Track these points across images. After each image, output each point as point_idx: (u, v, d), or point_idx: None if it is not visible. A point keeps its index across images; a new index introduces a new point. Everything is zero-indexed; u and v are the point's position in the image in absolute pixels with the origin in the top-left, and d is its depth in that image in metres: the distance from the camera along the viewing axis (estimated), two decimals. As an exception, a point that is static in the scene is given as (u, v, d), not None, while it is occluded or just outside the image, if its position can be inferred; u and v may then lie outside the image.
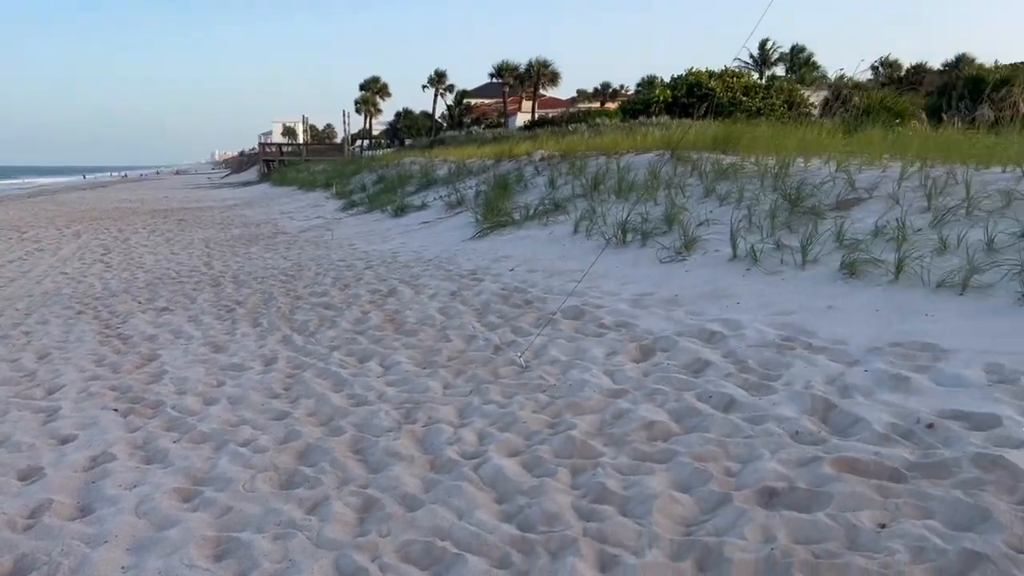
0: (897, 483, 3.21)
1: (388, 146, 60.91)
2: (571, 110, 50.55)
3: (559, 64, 65.30)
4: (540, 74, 59.39)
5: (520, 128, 42.00)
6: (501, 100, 63.70)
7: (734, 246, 7.29)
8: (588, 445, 3.89)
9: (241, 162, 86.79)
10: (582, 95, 74.52)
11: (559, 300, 6.84)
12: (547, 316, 6.43)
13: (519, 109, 61.69)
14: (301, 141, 74.62)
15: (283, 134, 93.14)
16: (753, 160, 10.39)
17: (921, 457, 3.39)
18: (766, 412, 4.05)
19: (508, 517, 3.27)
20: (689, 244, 7.89)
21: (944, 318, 5.01)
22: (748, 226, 7.81)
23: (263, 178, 49.38)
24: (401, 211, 16.61)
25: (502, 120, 59.61)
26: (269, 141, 71.92)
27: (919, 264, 5.75)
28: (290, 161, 50.80)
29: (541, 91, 61.14)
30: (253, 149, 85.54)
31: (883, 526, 2.87)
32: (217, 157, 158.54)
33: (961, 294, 5.27)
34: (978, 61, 48.34)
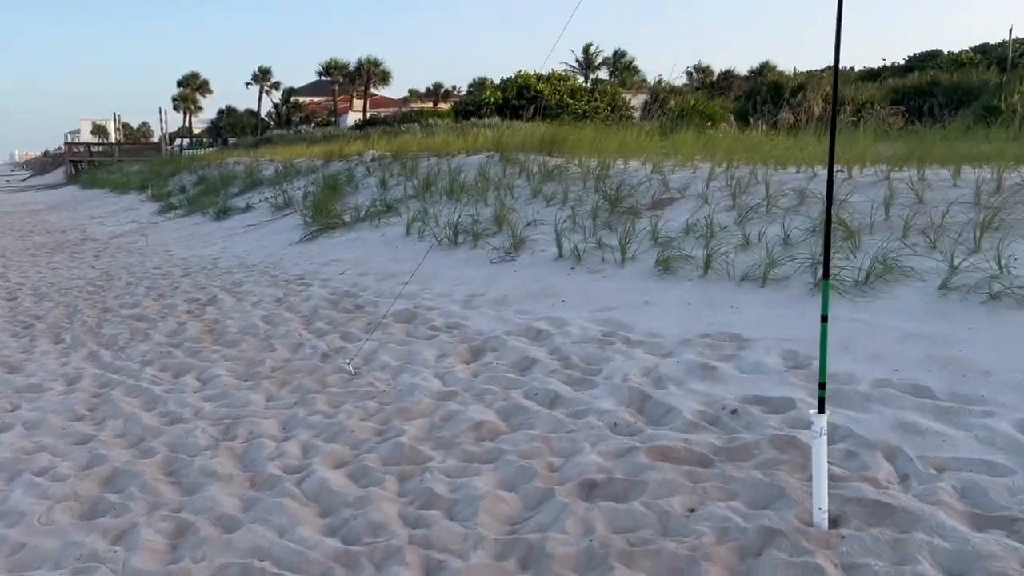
0: (705, 468, 3.41)
1: (210, 145, 57.93)
2: (403, 110, 50.23)
3: (391, 63, 64.65)
4: (371, 73, 58.60)
5: (351, 127, 41.22)
6: (331, 99, 62.25)
7: (559, 246, 7.50)
8: (417, 450, 3.87)
9: (45, 163, 79.75)
10: (414, 95, 74.26)
11: (391, 304, 6.77)
12: (378, 320, 6.34)
13: (350, 108, 60.55)
14: (113, 140, 69.53)
15: (93, 133, 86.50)
16: (577, 162, 10.75)
17: (726, 442, 3.62)
18: (588, 406, 4.19)
19: (332, 531, 3.18)
20: (518, 244, 8.05)
21: (747, 309, 5.39)
22: (572, 226, 8.07)
23: (71, 180, 45.78)
24: (224, 214, 15.85)
25: (332, 119, 58.27)
26: (77, 140, 66.52)
27: (725, 259, 6.16)
28: (101, 162, 47.37)
29: (372, 90, 60.35)
30: (59, 149, 78.82)
31: (692, 510, 3.04)
32: (17, 158, 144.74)
33: (762, 286, 5.70)
34: (779, 68, 52.55)
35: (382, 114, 46.88)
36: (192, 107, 72.00)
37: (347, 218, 11.58)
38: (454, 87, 75.32)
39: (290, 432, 4.30)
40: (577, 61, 64.31)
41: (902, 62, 45.39)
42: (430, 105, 61.52)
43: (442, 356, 5.39)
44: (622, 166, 9.98)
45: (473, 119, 30.55)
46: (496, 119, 29.29)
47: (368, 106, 57.00)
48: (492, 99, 37.07)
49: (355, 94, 60.96)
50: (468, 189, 10.94)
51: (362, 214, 11.50)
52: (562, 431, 3.94)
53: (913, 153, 7.80)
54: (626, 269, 6.70)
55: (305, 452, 4.00)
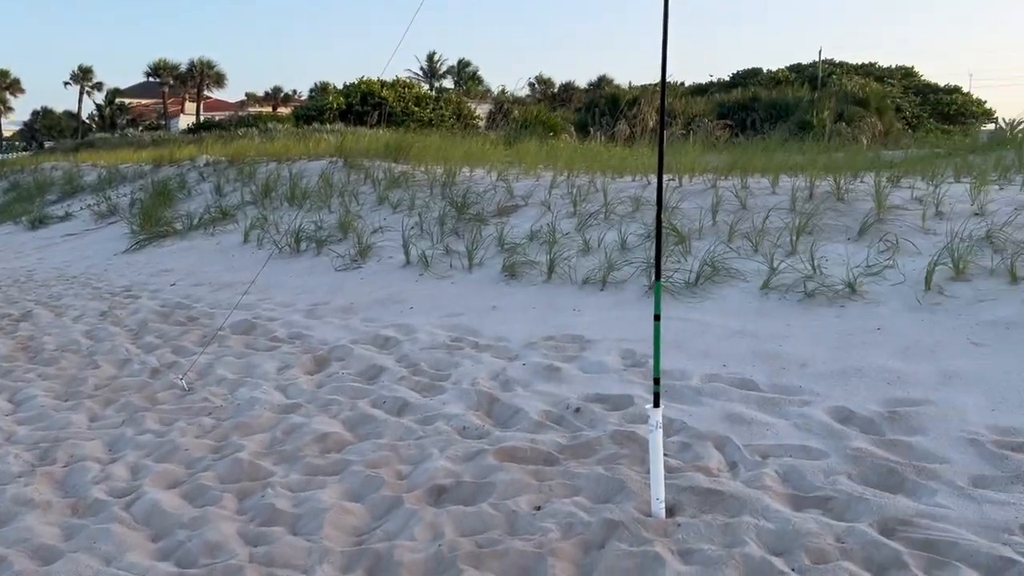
0: (551, 466, 3.49)
1: (24, 149, 53.27)
2: (240, 114, 48.30)
3: (226, 65, 61.88)
4: (204, 75, 55.98)
5: (184, 131, 39.16)
6: (160, 101, 58.90)
7: (407, 252, 7.46)
8: (257, 466, 3.71)
9: None
10: (252, 99, 71.51)
11: (227, 315, 6.48)
12: (214, 333, 6.05)
13: (182, 111, 57.55)
14: (-95, 141, 62.44)
15: None
16: (423, 169, 10.73)
17: (570, 440, 3.72)
18: (437, 412, 4.18)
19: (165, 555, 2.99)
20: (364, 251, 7.92)
21: (588, 311, 5.58)
22: (420, 233, 8.04)
23: None
24: (40, 223, 14.62)
25: (163, 122, 55.15)
26: None
27: (567, 264, 6.34)
28: None
29: (206, 93, 57.66)
30: None
31: (538, 508, 3.09)
32: None
33: (602, 290, 5.91)
34: (616, 82, 54.86)
35: (217, 118, 44.90)
36: (1, 107, 65.93)
37: (179, 226, 10.99)
38: (294, 91, 73.29)
39: (117, 453, 4.01)
40: (422, 69, 64.36)
41: (727, 78, 48.56)
42: (269, 109, 59.56)
43: (284, 368, 5.21)
44: (468, 174, 10.06)
45: (315, 124, 29.87)
46: (339, 125, 28.80)
47: (202, 109, 54.42)
48: (335, 104, 36.42)
49: (187, 96, 58.04)
50: (311, 195, 10.66)
51: (196, 221, 10.95)
52: (411, 438, 3.91)
53: (737, 163, 8.35)
54: (474, 275, 6.76)
55: (134, 473, 3.74)
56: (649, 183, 8.10)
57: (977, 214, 5.85)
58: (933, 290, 4.87)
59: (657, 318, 2.99)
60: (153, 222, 11.28)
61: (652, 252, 6.22)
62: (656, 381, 3.03)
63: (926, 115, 43.13)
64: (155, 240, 10.62)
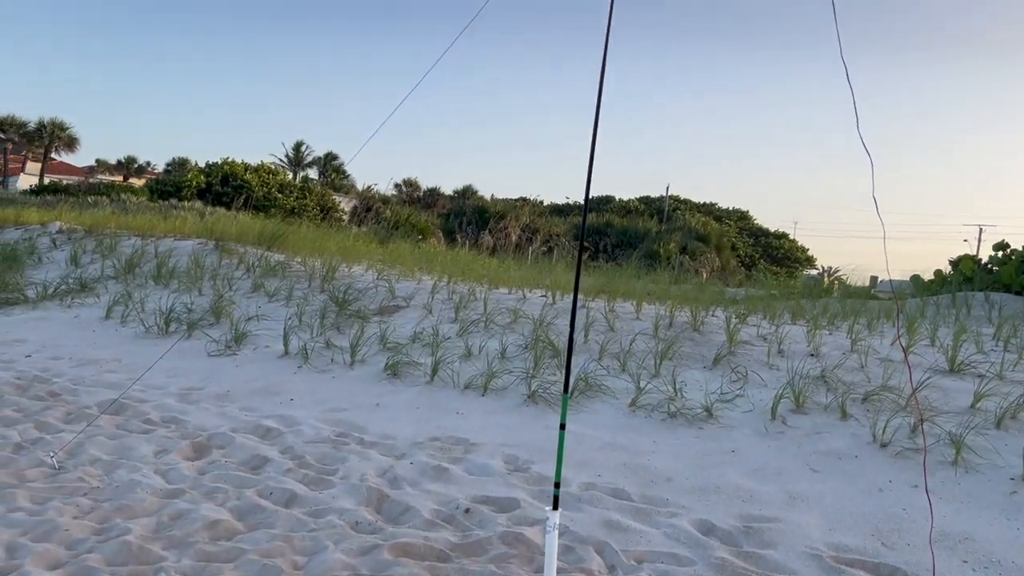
0: (444, 563, 3.68)
1: None
2: (90, 180, 46.09)
3: (79, 128, 58.79)
4: (55, 136, 53.18)
5: (25, 191, 36.83)
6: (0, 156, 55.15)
7: (286, 343, 7.49)
8: (147, 549, 3.67)
9: None
10: (103, 166, 68.42)
11: (94, 393, 6.26)
12: (81, 410, 5.82)
13: (22, 170, 54.06)
14: None
15: None
16: (300, 260, 10.82)
17: (462, 539, 3.93)
18: (327, 505, 4.28)
19: (59, 638, 2.93)
20: (239, 338, 7.87)
21: (471, 415, 5.85)
22: (299, 324, 8.10)
23: None
24: None
25: (1, 180, 51.52)
26: None
27: (450, 368, 6.63)
28: None
29: (53, 155, 54.65)
30: None
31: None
32: None
33: (483, 395, 6.22)
34: (480, 192, 56.83)
35: (64, 182, 42.55)
36: None
37: (31, 294, 10.41)
38: (149, 163, 70.83)
39: (-13, 532, 3.82)
40: (288, 156, 64.09)
41: (583, 202, 51.42)
42: (120, 179, 57.09)
43: (162, 452, 5.12)
44: (346, 270, 10.24)
45: (172, 200, 29.07)
46: (199, 203, 28.19)
47: (47, 171, 51.44)
48: (195, 182, 35.64)
49: (31, 155, 54.71)
50: (179, 275, 10.46)
51: (50, 291, 10.42)
52: (303, 529, 3.98)
53: (604, 287, 9.04)
54: (355, 371, 6.89)
55: (11, 553, 3.59)
56: (525, 298, 8.61)
57: (812, 355, 6.69)
58: (778, 420, 5.52)
59: (562, 427, 3.34)
60: (0, 287, 10.62)
61: (530, 363, 6.65)
62: (556, 485, 3.34)
63: (758, 255, 47.39)
64: (2, 307, 9.99)
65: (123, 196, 30.66)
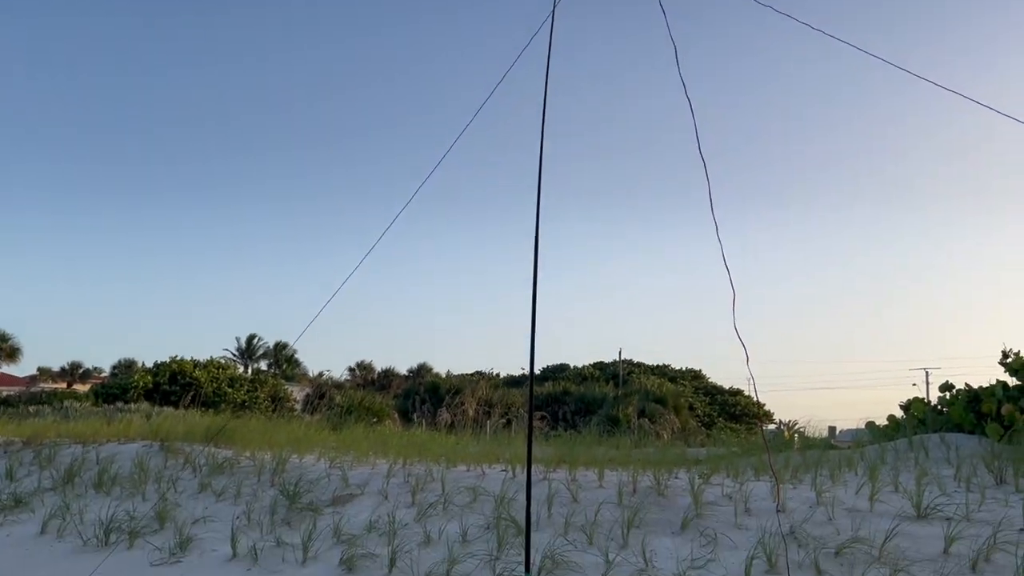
0: None
1: None
2: (32, 389, 44.84)
3: (20, 337, 57.65)
4: (-3, 347, 52.27)
5: (-39, 405, 35.54)
6: (-63, 370, 53.73)
7: (234, 545, 7.08)
8: None
9: None
10: (46, 374, 66.96)
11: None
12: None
13: (-40, 382, 52.54)
14: None
15: None
16: (248, 454, 10.45)
17: None
18: None
19: None
20: (184, 544, 7.40)
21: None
22: (248, 523, 7.70)
23: None
24: None
25: (-64, 394, 49.81)
26: None
27: (409, 556, 6.30)
28: None
29: (-6, 366, 53.49)
30: None
31: None
32: None
33: (446, 584, 5.87)
34: (435, 370, 56.81)
35: (4, 393, 41.34)
36: None
37: (-41, 513, 9.75)
38: (95, 368, 69.58)
39: None
40: (239, 350, 63.78)
41: (538, 372, 51.80)
42: (64, 386, 55.77)
43: None
44: (298, 460, 9.91)
45: (119, 403, 28.40)
46: (146, 404, 27.57)
47: (-15, 382, 50.06)
48: (141, 383, 35.06)
49: (-31, 369, 53.45)
50: (122, 481, 9.96)
51: (-20, 509, 9.78)
52: None
53: (564, 456, 8.88)
54: (308, 568, 6.49)
55: None
56: (484, 474, 8.38)
57: (779, 511, 6.55)
58: (753, 582, 5.30)
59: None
60: (-75, 508, 9.94)
61: (493, 544, 6.38)
62: None
63: (716, 413, 47.58)
64: (-74, 530, 9.31)
65: (65, 403, 29.81)
